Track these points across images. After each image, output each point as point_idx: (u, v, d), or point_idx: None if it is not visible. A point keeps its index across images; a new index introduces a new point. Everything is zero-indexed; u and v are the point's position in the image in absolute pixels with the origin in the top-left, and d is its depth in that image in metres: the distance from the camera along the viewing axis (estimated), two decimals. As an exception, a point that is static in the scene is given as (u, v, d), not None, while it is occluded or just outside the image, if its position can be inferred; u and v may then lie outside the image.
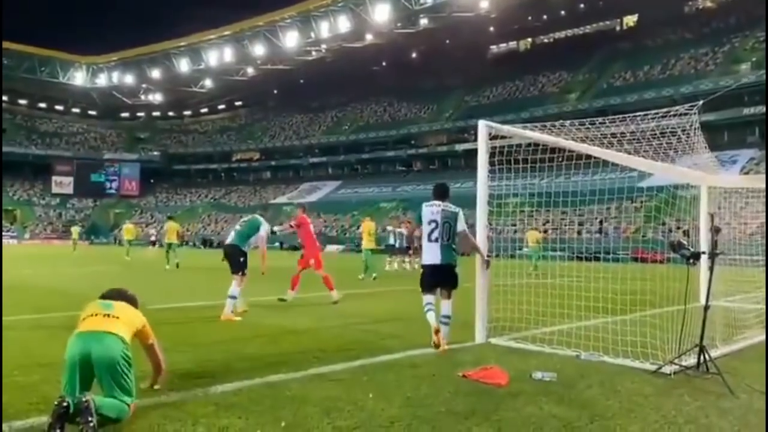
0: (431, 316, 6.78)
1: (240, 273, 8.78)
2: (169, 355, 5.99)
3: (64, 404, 3.55)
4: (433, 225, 6.89)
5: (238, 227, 9.11)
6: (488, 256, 7.01)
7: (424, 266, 6.94)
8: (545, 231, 31.03)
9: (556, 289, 8.68)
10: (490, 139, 7.22)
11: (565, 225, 37.54)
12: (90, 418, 3.57)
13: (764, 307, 7.59)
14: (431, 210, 7.01)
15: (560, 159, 7.69)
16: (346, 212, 69.47)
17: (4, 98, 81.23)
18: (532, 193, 10.10)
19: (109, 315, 4.19)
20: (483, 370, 5.58)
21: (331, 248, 58.60)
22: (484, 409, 4.54)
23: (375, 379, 5.28)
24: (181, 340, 6.83)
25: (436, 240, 6.83)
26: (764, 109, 45.19)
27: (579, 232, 36.66)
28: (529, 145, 7.57)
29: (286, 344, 6.86)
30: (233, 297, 8.66)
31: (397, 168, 77.04)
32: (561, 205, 9.85)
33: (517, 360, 6.17)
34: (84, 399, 3.61)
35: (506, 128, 7.31)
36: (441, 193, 7.18)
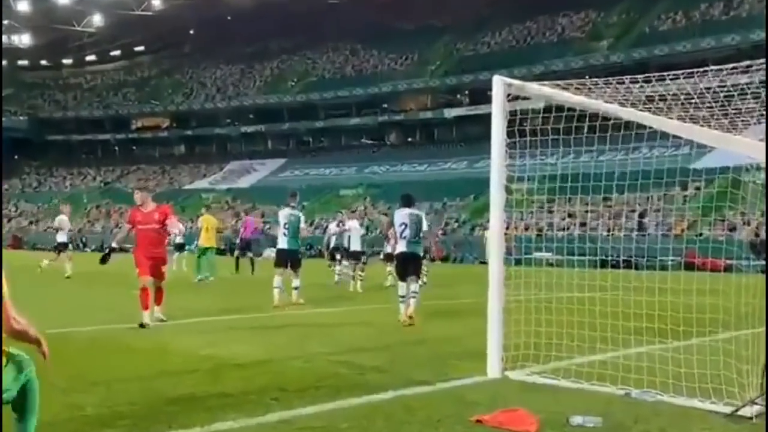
0: (402, 306, 11.96)
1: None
2: (71, 397, 6.00)
3: None
4: (403, 226, 12.08)
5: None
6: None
7: (397, 255, 12.43)
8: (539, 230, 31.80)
9: (585, 304, 8.90)
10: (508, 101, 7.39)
11: (592, 220, 38.13)
12: None
13: None
14: (401, 214, 12.20)
15: (585, 130, 7.89)
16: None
17: None
18: (545, 176, 10.29)
19: None
20: (503, 413, 5.71)
21: (272, 252, 58.46)
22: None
23: (358, 428, 5.39)
24: (89, 374, 6.83)
25: (405, 237, 12.09)
26: None
27: (610, 230, 37.27)
28: (547, 110, 7.73)
29: (232, 381, 6.92)
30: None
31: (364, 141, 77.18)
32: (586, 192, 10.08)
33: (547, 400, 6.33)
34: None
35: (535, 87, 7.47)
36: (409, 202, 12.43)
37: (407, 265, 12.14)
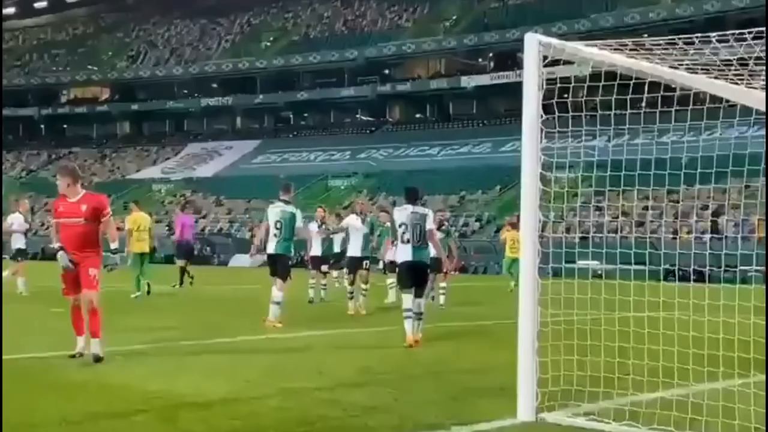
0: (408, 324, 12.43)
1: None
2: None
3: None
4: (403, 228, 12.55)
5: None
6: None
7: (400, 264, 12.87)
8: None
9: (644, 326, 8.88)
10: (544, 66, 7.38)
11: (653, 219, 38.10)
12: None
13: None
14: (401, 213, 12.67)
15: (643, 104, 7.91)
16: (269, 195, 68.85)
17: None
18: (591, 163, 10.24)
19: None
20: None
21: (242, 259, 58.66)
22: None
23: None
24: (11, 414, 6.82)
25: (408, 241, 12.54)
26: None
27: (676, 232, 37.15)
28: (595, 78, 7.73)
29: (189, 425, 6.93)
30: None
31: (359, 118, 77.32)
32: (645, 183, 10.02)
33: (595, 449, 6.36)
34: None
35: (579, 48, 7.46)
36: (412, 196, 12.89)
37: (413, 275, 12.64)
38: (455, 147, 65.49)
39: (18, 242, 21.70)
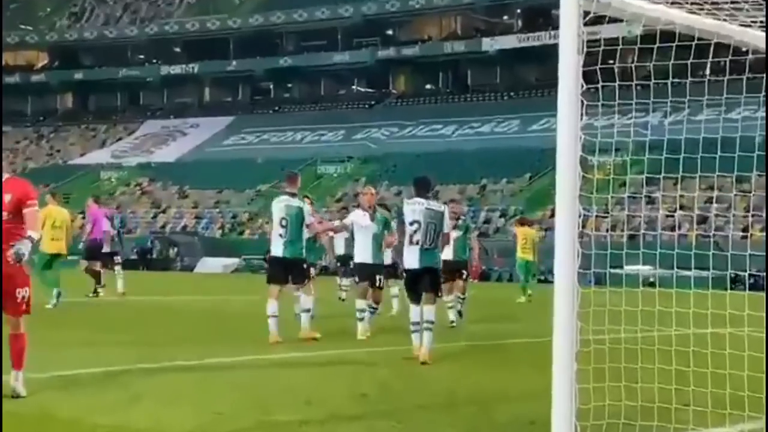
0: (416, 338, 13.09)
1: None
2: None
3: None
4: (416, 226, 12.84)
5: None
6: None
7: (407, 271, 13.29)
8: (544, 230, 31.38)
9: (708, 345, 8.89)
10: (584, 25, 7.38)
11: (719, 214, 38.07)
12: None
13: None
14: (413, 209, 12.91)
15: (707, 71, 7.92)
16: (244, 185, 69.07)
17: None
18: (643, 145, 10.22)
19: None
20: None
21: (211, 263, 58.64)
22: None
23: None
24: None
25: (417, 243, 12.83)
26: None
27: (745, 229, 37.18)
28: (648, 39, 7.73)
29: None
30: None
31: (356, 90, 77.05)
32: (709, 169, 10.02)
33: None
34: None
35: (632, 2, 7.44)
36: (424, 188, 13.21)
37: (421, 283, 13.05)
38: (474, 125, 65.62)
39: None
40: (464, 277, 19.47)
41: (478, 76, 70.98)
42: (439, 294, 14.03)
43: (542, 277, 52.08)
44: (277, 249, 15.55)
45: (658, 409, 7.98)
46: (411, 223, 12.83)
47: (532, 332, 16.26)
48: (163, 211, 65.46)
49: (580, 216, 7.46)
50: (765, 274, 14.45)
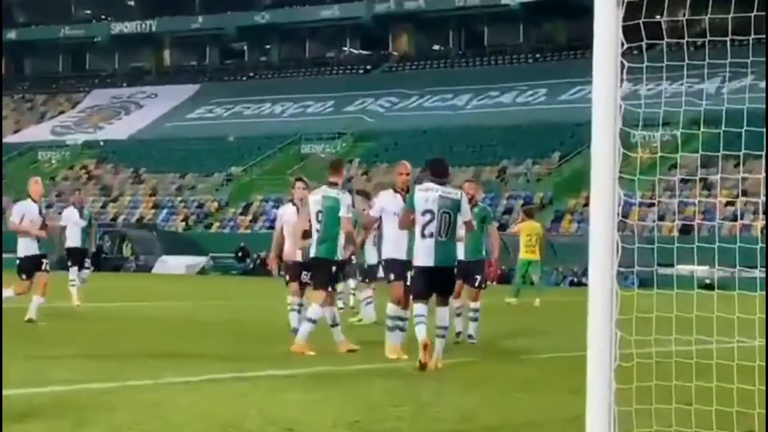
0: (421, 330, 13.50)
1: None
2: None
3: None
4: (428, 216, 13.37)
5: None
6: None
7: (415, 268, 13.83)
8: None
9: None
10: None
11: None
12: None
13: None
14: (426, 196, 13.43)
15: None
16: (213, 168, 68.74)
17: None
18: (697, 117, 10.19)
19: None
20: None
21: (172, 263, 58.60)
22: None
23: None
24: None
25: (431, 236, 13.40)
26: None
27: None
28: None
29: None
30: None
31: (349, 52, 76.85)
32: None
33: None
34: None
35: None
36: (440, 172, 13.76)
37: (434, 282, 13.64)
38: (492, 94, 65.67)
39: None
40: (477, 283, 18.28)
41: (496, 34, 70.90)
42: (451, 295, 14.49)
43: (574, 279, 52.51)
44: (312, 248, 16.03)
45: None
46: (423, 213, 13.29)
47: (561, 345, 16.27)
48: (114, 200, 65.48)
49: (620, 204, 7.46)
50: (765, 274, 14.57)
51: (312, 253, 15.99)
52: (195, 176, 66.41)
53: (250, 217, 60.77)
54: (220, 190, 64.47)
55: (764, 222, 33.61)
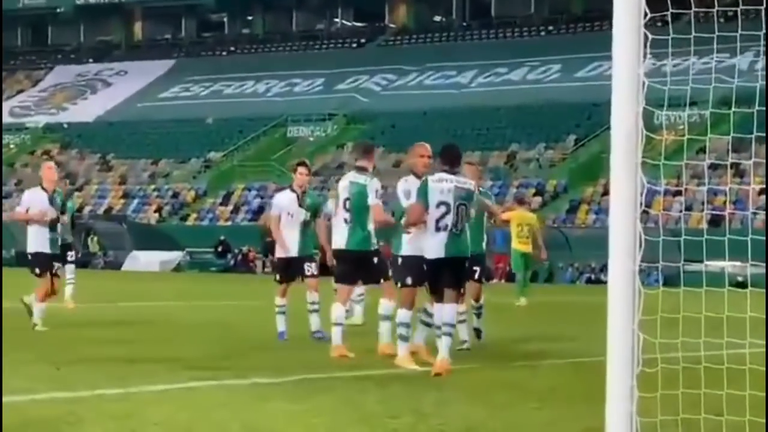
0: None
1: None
2: None
3: None
4: (443, 209, 13.70)
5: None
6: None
7: (428, 261, 14.05)
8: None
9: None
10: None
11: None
12: None
13: None
14: (440, 187, 13.73)
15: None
16: (190, 153, 68.62)
17: None
18: (728, 96, 10.22)
19: None
20: None
21: (143, 258, 58.68)
22: None
23: None
24: None
25: (446, 228, 13.75)
26: None
27: None
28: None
29: None
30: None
31: (341, 24, 77.07)
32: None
33: None
34: None
35: None
36: (453, 160, 14.12)
37: (443, 276, 13.94)
38: (501, 71, 65.72)
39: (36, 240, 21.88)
40: (477, 275, 18.24)
41: (504, 3, 70.90)
42: (462, 291, 14.88)
43: (592, 276, 52.51)
44: (339, 239, 16.10)
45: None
46: (438, 205, 13.55)
47: (578, 350, 16.31)
48: (79, 189, 65.42)
49: (643, 192, 7.50)
50: (765, 273, 14.70)
51: (343, 246, 15.96)
52: (169, 162, 66.44)
53: (230, 208, 60.83)
54: (198, 177, 64.47)
55: None
